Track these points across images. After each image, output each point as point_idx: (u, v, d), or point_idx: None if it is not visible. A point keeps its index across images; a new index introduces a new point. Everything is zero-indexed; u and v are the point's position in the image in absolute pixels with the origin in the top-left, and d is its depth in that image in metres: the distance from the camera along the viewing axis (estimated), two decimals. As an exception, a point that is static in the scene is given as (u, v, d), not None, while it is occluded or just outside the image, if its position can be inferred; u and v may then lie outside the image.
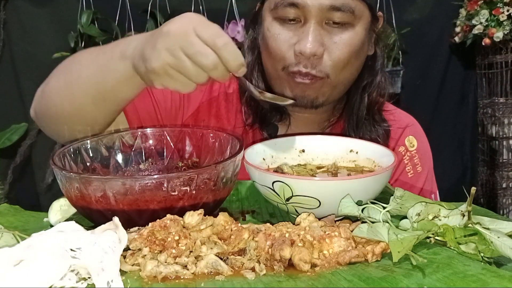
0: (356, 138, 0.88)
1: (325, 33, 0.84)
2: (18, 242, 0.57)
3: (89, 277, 0.47)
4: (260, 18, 0.92)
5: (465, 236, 0.54)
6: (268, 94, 0.76)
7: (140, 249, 0.53)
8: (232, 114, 0.99)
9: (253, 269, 0.50)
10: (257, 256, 0.52)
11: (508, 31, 2.19)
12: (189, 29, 0.65)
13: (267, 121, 0.96)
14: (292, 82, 0.88)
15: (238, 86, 0.99)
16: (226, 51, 0.65)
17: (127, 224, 0.56)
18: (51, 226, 0.67)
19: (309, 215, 0.60)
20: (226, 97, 1.00)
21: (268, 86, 0.94)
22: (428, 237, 0.56)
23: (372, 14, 0.89)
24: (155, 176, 0.63)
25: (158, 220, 0.55)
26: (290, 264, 0.51)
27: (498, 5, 2.20)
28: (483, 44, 2.24)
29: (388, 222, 0.57)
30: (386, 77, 0.96)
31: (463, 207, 0.56)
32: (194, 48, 0.64)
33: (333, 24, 0.84)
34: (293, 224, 0.59)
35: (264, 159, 0.77)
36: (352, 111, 0.95)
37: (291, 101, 0.75)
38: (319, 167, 0.78)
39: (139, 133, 0.81)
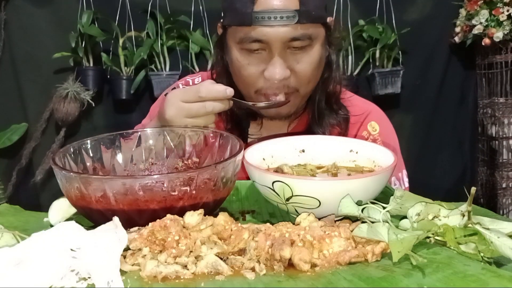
0: (320, 128, 1.04)
1: (289, 57, 0.94)
2: (18, 242, 0.57)
3: (89, 277, 0.47)
4: (225, 43, 1.01)
5: (465, 236, 0.54)
6: (259, 104, 0.96)
7: (140, 249, 0.53)
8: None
9: (253, 269, 0.50)
10: (257, 256, 0.52)
11: (508, 31, 2.19)
12: (179, 104, 0.86)
13: (241, 125, 1.07)
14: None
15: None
16: (210, 94, 0.85)
17: (127, 224, 0.56)
18: (51, 226, 0.67)
19: (309, 215, 0.60)
20: None
21: (242, 95, 1.03)
22: (428, 237, 0.56)
23: (325, 27, 0.98)
24: (155, 176, 0.63)
25: (158, 220, 0.55)
26: (290, 264, 0.51)
27: (498, 5, 2.20)
28: (483, 44, 2.23)
29: (388, 222, 0.57)
30: (339, 70, 1.08)
31: (463, 207, 0.57)
32: (192, 111, 0.85)
33: (294, 49, 0.94)
34: (293, 224, 0.59)
35: (264, 159, 0.78)
36: (314, 105, 1.06)
37: (280, 100, 0.95)
38: (319, 167, 0.78)
39: (139, 133, 0.82)
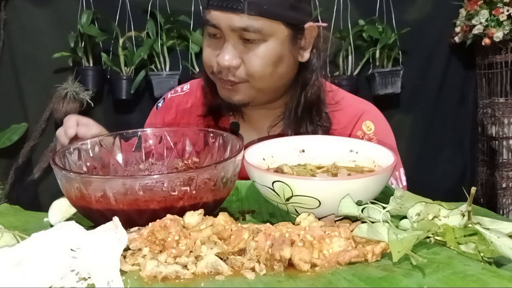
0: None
1: (242, 47, 0.96)
2: (18, 242, 0.57)
3: (89, 277, 0.47)
4: None
5: (465, 236, 0.54)
6: None
7: (140, 249, 0.53)
8: (193, 124, 1.12)
9: (253, 269, 0.50)
10: (257, 256, 0.52)
11: (508, 31, 2.19)
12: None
13: (221, 115, 1.09)
14: (219, 85, 1.01)
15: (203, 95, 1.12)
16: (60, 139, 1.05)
17: (127, 224, 0.56)
18: (51, 226, 0.67)
19: (309, 215, 0.60)
20: (184, 113, 1.15)
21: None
22: (428, 237, 0.56)
23: (292, 28, 0.97)
24: (155, 176, 0.63)
25: (158, 220, 0.55)
26: (290, 264, 0.51)
27: (498, 5, 2.20)
28: (483, 44, 2.23)
29: (388, 222, 0.57)
30: (320, 77, 1.05)
31: (463, 207, 0.57)
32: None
33: (246, 40, 0.95)
34: (293, 224, 0.59)
35: (264, 159, 0.78)
36: (290, 112, 1.05)
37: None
38: (319, 167, 0.78)
39: (139, 133, 0.82)
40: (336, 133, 1.06)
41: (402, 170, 1.10)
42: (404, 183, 1.09)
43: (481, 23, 2.21)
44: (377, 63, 2.32)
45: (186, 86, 1.19)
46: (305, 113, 1.04)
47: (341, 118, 1.08)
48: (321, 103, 1.06)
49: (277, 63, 0.97)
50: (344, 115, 1.08)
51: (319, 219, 0.60)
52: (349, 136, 1.07)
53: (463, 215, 0.56)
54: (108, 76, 2.28)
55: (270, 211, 0.74)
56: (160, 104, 1.19)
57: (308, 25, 0.99)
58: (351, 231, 0.55)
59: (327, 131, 1.05)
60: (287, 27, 0.96)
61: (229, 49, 0.94)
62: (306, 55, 1.02)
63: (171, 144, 0.82)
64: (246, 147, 0.76)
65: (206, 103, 1.09)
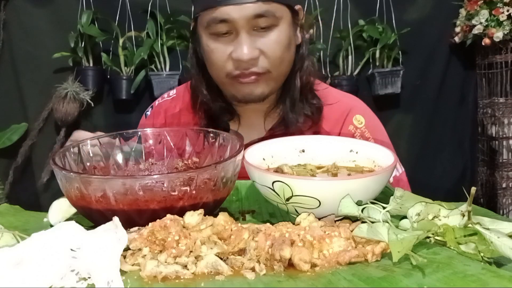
0: (294, 117, 1.04)
1: (256, 37, 0.95)
2: (18, 242, 0.57)
3: (89, 277, 0.47)
4: (197, 34, 1.03)
5: (465, 236, 0.54)
6: None
7: (140, 249, 0.53)
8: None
9: (253, 269, 0.50)
10: (257, 256, 0.52)
11: (508, 31, 2.19)
12: None
13: (219, 122, 1.08)
14: (238, 85, 0.99)
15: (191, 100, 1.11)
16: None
17: (127, 224, 0.56)
18: (51, 226, 0.67)
19: (309, 215, 0.60)
20: (173, 118, 1.14)
21: (217, 90, 1.06)
22: (428, 237, 0.56)
23: (291, 11, 1.00)
24: (155, 176, 0.63)
25: (158, 220, 0.55)
26: (290, 264, 0.51)
27: (498, 5, 2.20)
28: (483, 44, 2.23)
29: (388, 222, 0.57)
30: (313, 60, 1.09)
31: (463, 207, 0.57)
32: None
33: (260, 29, 0.95)
34: (293, 224, 0.59)
35: (264, 159, 0.78)
36: (288, 94, 1.06)
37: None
38: (319, 167, 0.78)
39: (139, 133, 0.82)
40: (328, 115, 1.08)
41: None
42: (400, 170, 1.09)
43: (481, 23, 2.21)
44: (377, 63, 2.32)
45: (173, 92, 1.19)
46: (301, 95, 1.06)
47: (330, 113, 1.09)
48: (312, 84, 1.08)
49: (289, 46, 0.99)
50: (333, 111, 1.09)
51: (319, 219, 0.60)
52: (340, 131, 1.09)
53: (463, 215, 0.56)
54: (108, 76, 2.28)
55: (270, 211, 0.74)
56: (148, 113, 1.19)
57: (297, 7, 1.02)
58: (351, 231, 0.55)
59: (319, 108, 1.07)
60: (289, 9, 0.99)
61: (246, 41, 0.94)
62: (299, 37, 1.05)
63: (171, 144, 0.82)
64: (246, 147, 0.76)
65: (204, 110, 1.08)
